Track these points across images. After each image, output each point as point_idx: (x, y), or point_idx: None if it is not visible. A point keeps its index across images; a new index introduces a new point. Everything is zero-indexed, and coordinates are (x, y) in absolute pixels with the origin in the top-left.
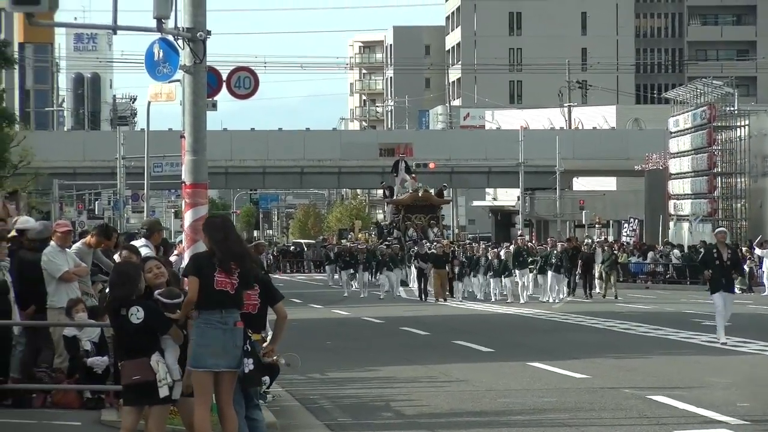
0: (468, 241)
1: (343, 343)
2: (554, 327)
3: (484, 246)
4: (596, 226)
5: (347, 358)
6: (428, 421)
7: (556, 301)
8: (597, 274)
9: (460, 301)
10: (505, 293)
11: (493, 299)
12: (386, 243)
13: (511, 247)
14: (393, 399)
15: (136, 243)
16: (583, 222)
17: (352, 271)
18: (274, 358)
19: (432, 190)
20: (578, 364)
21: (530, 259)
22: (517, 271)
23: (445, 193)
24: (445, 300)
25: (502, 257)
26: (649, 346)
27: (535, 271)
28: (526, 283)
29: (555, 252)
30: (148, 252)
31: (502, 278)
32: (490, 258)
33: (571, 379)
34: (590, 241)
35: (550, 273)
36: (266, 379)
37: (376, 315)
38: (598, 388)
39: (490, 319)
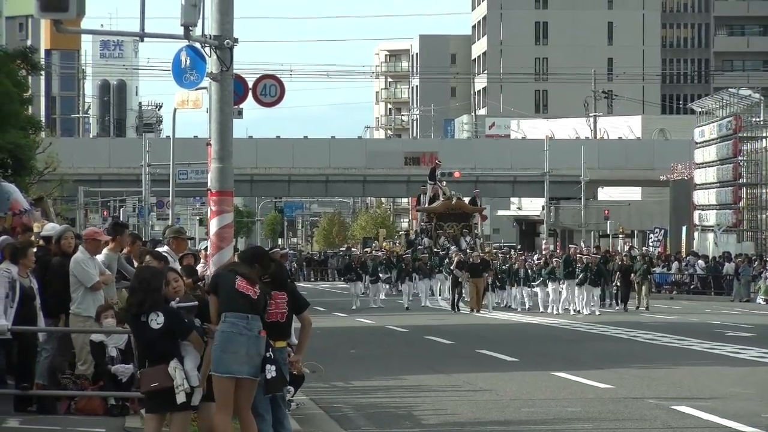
0: (507, 250)
1: (367, 351)
2: (579, 337)
3: (521, 255)
4: (620, 236)
5: (371, 367)
6: (452, 430)
7: (596, 312)
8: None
9: (489, 313)
10: (547, 303)
11: (542, 309)
12: (417, 251)
13: (544, 257)
14: (417, 408)
15: (160, 249)
16: (608, 232)
17: (361, 283)
18: (300, 367)
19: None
20: (603, 374)
21: (577, 270)
22: (565, 281)
23: (478, 201)
24: (479, 311)
25: (551, 264)
26: (673, 357)
27: (577, 281)
28: (569, 294)
29: (590, 264)
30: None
31: (550, 285)
32: (537, 265)
33: (596, 389)
34: (634, 251)
35: (586, 284)
36: (290, 387)
37: (400, 324)
38: (623, 398)
39: (514, 329)
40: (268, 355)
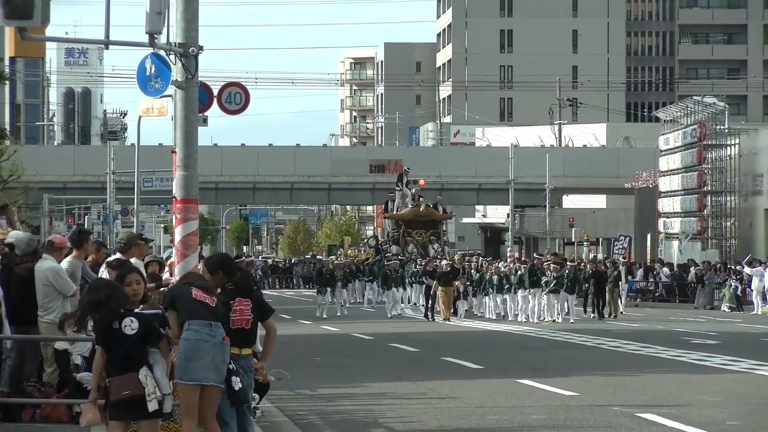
0: (478, 258)
1: (332, 359)
2: (544, 344)
3: (495, 263)
4: (585, 243)
5: (336, 374)
6: None
7: (571, 321)
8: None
9: (460, 321)
10: (516, 313)
11: (510, 317)
12: (387, 258)
13: (512, 265)
14: (382, 415)
15: (110, 258)
16: (573, 239)
17: (329, 289)
18: (265, 375)
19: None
20: (568, 382)
21: (544, 279)
22: (530, 290)
23: (440, 207)
24: (449, 319)
25: (518, 272)
26: (638, 364)
27: (547, 290)
28: (537, 302)
29: (566, 271)
30: None
31: (518, 294)
32: (506, 273)
33: (561, 396)
34: (608, 260)
35: (562, 291)
36: (255, 395)
37: (365, 331)
38: (588, 405)
39: (479, 337)
40: (231, 366)
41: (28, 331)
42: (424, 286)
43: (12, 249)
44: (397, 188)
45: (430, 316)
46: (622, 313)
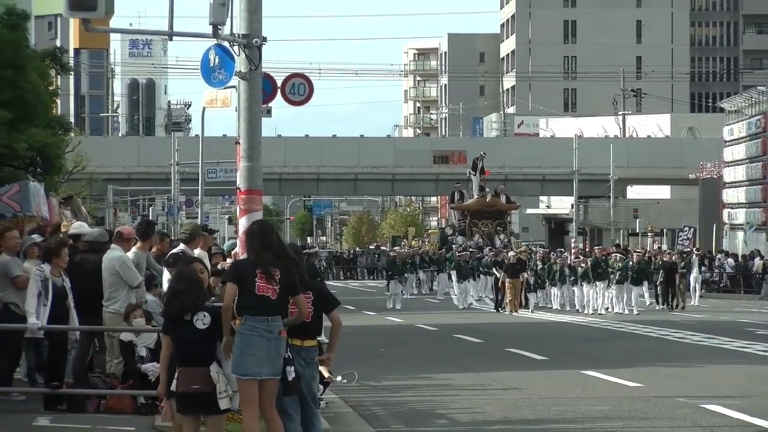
0: (547, 249)
1: (396, 350)
2: (608, 335)
3: (563, 254)
4: (650, 234)
5: (400, 365)
6: (482, 429)
7: (635, 312)
8: (692, 286)
9: (531, 313)
10: (583, 304)
11: (584, 310)
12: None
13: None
14: (446, 406)
15: (175, 249)
16: (637, 230)
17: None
18: (329, 375)
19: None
20: (632, 373)
21: (610, 270)
22: (597, 282)
23: (503, 196)
24: (517, 311)
25: (583, 266)
26: (703, 355)
27: (614, 282)
28: (602, 294)
29: (631, 263)
30: None
31: (584, 286)
32: (572, 265)
33: (625, 387)
34: (676, 251)
35: (626, 283)
36: (320, 386)
37: (429, 322)
38: (652, 396)
39: (542, 328)
40: (286, 356)
41: (96, 322)
42: (492, 278)
43: (76, 240)
44: (471, 173)
45: (501, 308)
46: (695, 304)
